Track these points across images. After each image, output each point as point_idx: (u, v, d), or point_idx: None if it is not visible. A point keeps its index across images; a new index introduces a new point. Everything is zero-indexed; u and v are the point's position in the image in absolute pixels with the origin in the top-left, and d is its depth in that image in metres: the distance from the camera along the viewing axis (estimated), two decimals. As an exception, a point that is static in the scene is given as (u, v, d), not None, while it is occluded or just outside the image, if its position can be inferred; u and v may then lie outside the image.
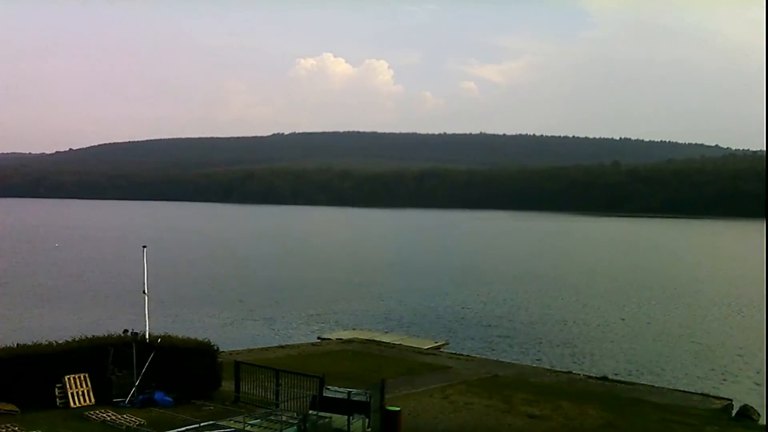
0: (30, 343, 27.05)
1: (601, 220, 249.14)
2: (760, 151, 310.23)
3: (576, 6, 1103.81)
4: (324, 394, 23.12)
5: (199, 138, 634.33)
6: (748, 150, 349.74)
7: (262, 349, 40.62)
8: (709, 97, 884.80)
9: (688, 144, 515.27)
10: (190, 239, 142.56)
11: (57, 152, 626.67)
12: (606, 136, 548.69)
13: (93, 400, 25.76)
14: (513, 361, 40.88)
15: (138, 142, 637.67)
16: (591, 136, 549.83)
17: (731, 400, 30.78)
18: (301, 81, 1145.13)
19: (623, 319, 59.19)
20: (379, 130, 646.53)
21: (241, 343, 42.58)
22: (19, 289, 69.81)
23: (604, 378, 35.32)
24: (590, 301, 68.45)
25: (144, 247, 29.87)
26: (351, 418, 21.76)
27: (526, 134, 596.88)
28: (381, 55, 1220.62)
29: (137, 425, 22.86)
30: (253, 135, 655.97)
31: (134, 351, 26.96)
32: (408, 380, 31.79)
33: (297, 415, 21.74)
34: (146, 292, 29.03)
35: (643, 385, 34.68)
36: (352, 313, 59.86)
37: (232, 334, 48.37)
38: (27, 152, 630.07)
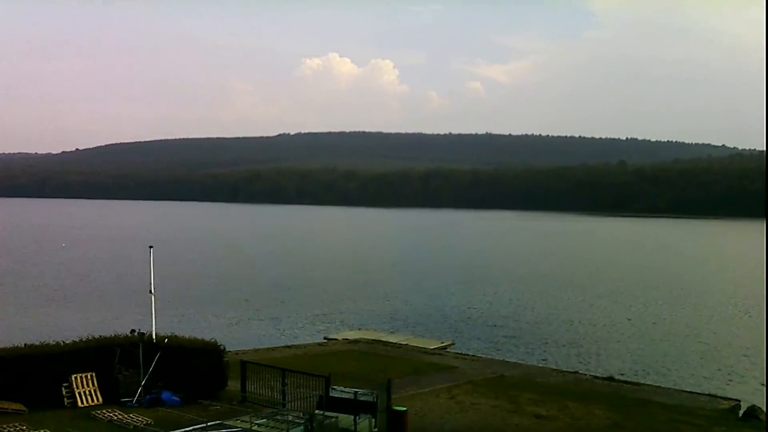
0: (37, 343, 27.17)
1: (607, 220, 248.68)
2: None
3: (581, 6, 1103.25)
4: (330, 394, 23.15)
5: (205, 138, 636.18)
6: (755, 150, 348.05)
7: (268, 348, 40.68)
8: (716, 97, 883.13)
9: (695, 144, 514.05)
10: (197, 239, 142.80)
11: (63, 152, 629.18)
12: (612, 136, 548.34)
13: (100, 399, 25.84)
14: (519, 361, 40.81)
15: (144, 142, 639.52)
16: (597, 136, 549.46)
17: (739, 400, 30.66)
18: (307, 81, 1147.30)
19: (629, 319, 59.07)
20: (385, 130, 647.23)
21: (248, 343, 42.67)
22: (26, 288, 70.05)
23: (611, 378, 35.25)
24: (596, 301, 68.34)
25: (151, 247, 29.95)
26: (357, 418, 21.77)
27: (532, 134, 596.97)
28: (386, 55, 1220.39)
29: (144, 425, 22.91)
30: (259, 135, 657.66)
31: (141, 351, 27.03)
32: (414, 380, 31.78)
33: (303, 414, 21.76)
34: (153, 292, 29.08)
35: (649, 385, 34.58)
36: (358, 313, 59.88)
37: (238, 334, 48.47)
38: (33, 152, 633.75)
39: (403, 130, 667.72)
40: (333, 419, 21.55)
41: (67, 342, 27.41)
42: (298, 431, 20.25)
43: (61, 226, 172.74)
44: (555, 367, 39.18)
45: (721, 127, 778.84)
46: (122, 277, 76.64)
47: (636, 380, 36.34)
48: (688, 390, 33.92)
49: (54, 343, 27.23)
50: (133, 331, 27.75)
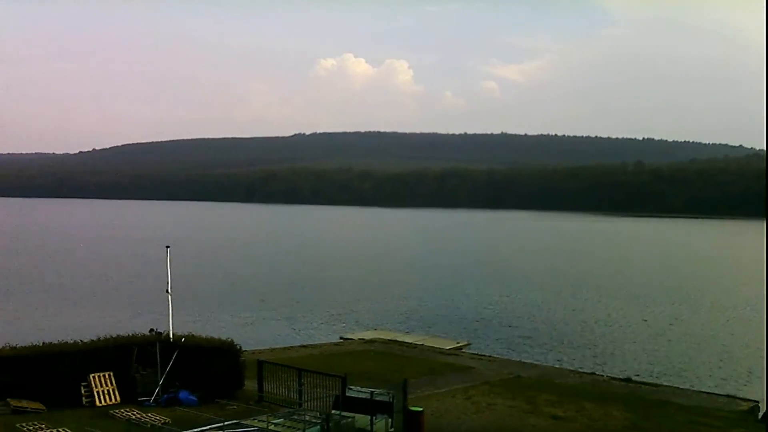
0: (56, 342, 27.38)
1: (623, 220, 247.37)
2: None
3: (596, 4, 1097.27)
4: (347, 394, 23.17)
5: (221, 138, 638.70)
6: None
7: (284, 348, 40.82)
8: (734, 96, 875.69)
9: (712, 144, 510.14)
10: (213, 239, 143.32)
11: (80, 152, 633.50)
12: (628, 136, 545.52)
13: (118, 398, 26.00)
14: (535, 362, 40.69)
15: (160, 142, 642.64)
16: (613, 136, 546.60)
17: (758, 401, 30.44)
18: (322, 81, 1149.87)
19: (646, 320, 58.69)
20: (400, 130, 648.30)
21: (264, 343, 42.78)
22: (44, 288, 70.56)
23: (628, 379, 35.10)
24: (613, 301, 67.95)
25: (167, 247, 30.04)
26: (374, 418, 21.79)
27: (548, 134, 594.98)
28: (401, 55, 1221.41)
29: (162, 424, 23.02)
30: (275, 135, 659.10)
31: (158, 350, 27.16)
32: (430, 380, 31.78)
33: (320, 414, 21.81)
34: (170, 291, 29.21)
35: (667, 386, 34.41)
36: (374, 312, 59.86)
37: (254, 334, 48.54)
38: (51, 152, 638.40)
39: (418, 130, 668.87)
40: (349, 419, 21.58)
41: (85, 341, 27.63)
42: (314, 431, 20.29)
43: (79, 226, 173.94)
44: (572, 368, 39.02)
45: (739, 126, 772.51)
46: (139, 276, 77.04)
47: (654, 381, 36.18)
48: (707, 391, 33.74)
49: (72, 342, 27.44)
50: (151, 330, 27.91)
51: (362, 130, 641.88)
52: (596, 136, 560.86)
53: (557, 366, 39.95)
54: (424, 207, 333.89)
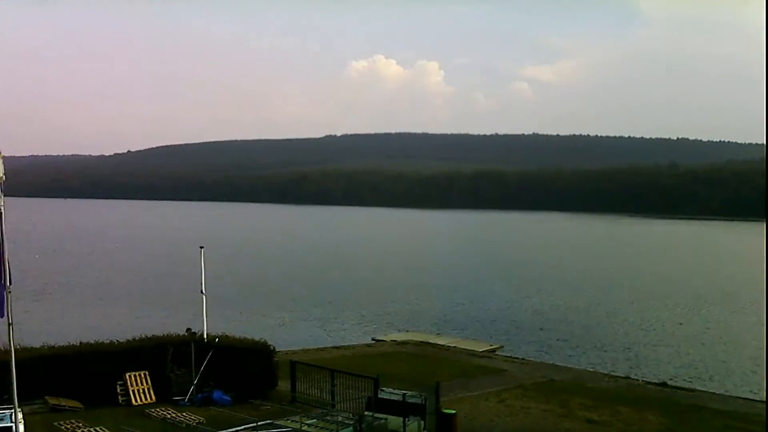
0: (92, 342, 27.76)
1: (658, 223, 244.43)
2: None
3: (627, 3, 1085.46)
4: (379, 396, 23.19)
5: (254, 140, 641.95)
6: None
7: (317, 349, 41.01)
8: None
9: (748, 144, 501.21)
10: (246, 240, 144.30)
11: (116, 154, 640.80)
12: (662, 136, 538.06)
13: (153, 397, 26.31)
14: (569, 365, 40.21)
15: (194, 144, 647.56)
16: (647, 136, 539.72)
17: (796, 407, 29.86)
18: (354, 83, 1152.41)
19: (681, 324, 57.94)
20: (431, 131, 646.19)
21: (297, 343, 42.95)
22: (81, 288, 71.59)
23: (664, 384, 34.70)
24: (647, 304, 67.12)
25: (201, 247, 30.33)
26: (406, 420, 21.76)
27: (581, 134, 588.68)
28: (432, 56, 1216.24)
29: (197, 423, 23.23)
30: (306, 137, 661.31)
31: (193, 350, 27.43)
32: (463, 383, 31.69)
33: (353, 415, 21.85)
34: (204, 292, 29.47)
35: (703, 391, 33.99)
36: (406, 314, 59.79)
37: (287, 334, 48.74)
38: (86, 154, 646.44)
39: (449, 131, 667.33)
40: (382, 421, 21.59)
41: (121, 341, 28.00)
42: (347, 432, 20.34)
43: (114, 227, 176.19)
44: (606, 372, 38.63)
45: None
46: (174, 277, 77.76)
47: (689, 386, 35.70)
48: (743, 396, 33.19)
49: (108, 342, 27.82)
50: (188, 329, 28.21)
51: (393, 132, 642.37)
52: (629, 137, 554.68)
53: (591, 369, 39.53)
54: (455, 208, 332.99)
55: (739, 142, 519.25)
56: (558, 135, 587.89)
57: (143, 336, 28.73)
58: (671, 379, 37.14)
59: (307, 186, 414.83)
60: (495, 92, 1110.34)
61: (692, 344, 49.97)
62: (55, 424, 22.69)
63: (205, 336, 28.43)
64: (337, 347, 42.25)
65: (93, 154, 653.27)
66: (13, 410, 17.06)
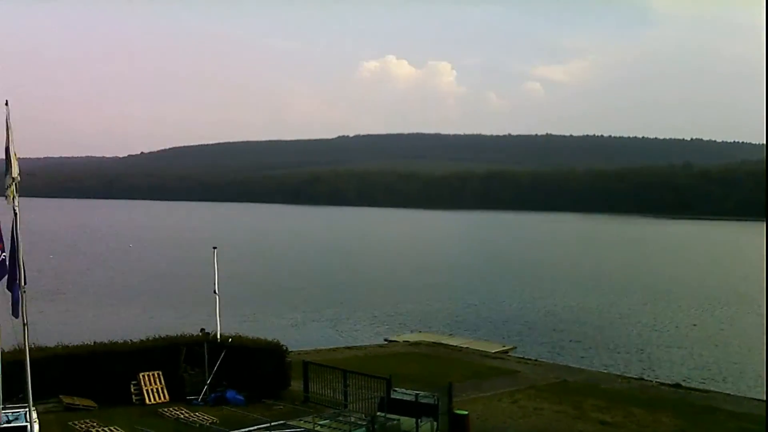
0: (107, 342, 27.94)
1: (671, 223, 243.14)
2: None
3: (640, 3, 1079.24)
4: (392, 396, 23.20)
5: (266, 141, 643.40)
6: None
7: (329, 349, 41.05)
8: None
9: (763, 144, 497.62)
10: (259, 240, 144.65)
11: (129, 155, 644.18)
12: (676, 137, 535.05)
13: (167, 397, 26.43)
14: (582, 367, 40.08)
15: (207, 145, 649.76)
16: (660, 137, 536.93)
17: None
18: (365, 83, 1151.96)
19: (695, 325, 57.62)
20: (443, 132, 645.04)
21: (309, 344, 43.05)
22: (95, 288, 71.98)
23: (677, 385, 34.53)
24: (661, 305, 66.78)
25: (214, 248, 30.43)
26: (419, 420, 21.76)
27: (593, 135, 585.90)
28: (444, 56, 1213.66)
29: (210, 423, 23.32)
30: (319, 137, 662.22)
31: (206, 350, 27.53)
32: (476, 384, 31.65)
33: (365, 416, 21.88)
34: (217, 292, 29.57)
35: (717, 392, 33.76)
36: (419, 315, 59.73)
37: (299, 335, 48.85)
38: (101, 155, 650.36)
39: (461, 131, 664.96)
40: (395, 421, 21.61)
41: (135, 341, 28.18)
42: (360, 432, 20.37)
43: (128, 227, 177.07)
44: (619, 373, 38.44)
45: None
46: (187, 277, 77.94)
47: (703, 387, 35.49)
48: (758, 398, 32.95)
49: (122, 341, 28.00)
50: (202, 330, 28.32)
51: (405, 132, 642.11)
52: (643, 137, 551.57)
53: (604, 371, 39.37)
54: (468, 209, 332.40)
55: (754, 142, 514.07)
56: (571, 135, 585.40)
57: (157, 336, 28.92)
58: (685, 381, 36.95)
59: (319, 186, 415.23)
60: (507, 92, 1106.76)
61: (706, 345, 49.67)
62: (70, 423, 22.84)
63: (218, 336, 28.53)
64: (349, 348, 42.30)
65: (107, 155, 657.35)
66: (27, 409, 17.20)
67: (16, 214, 16.08)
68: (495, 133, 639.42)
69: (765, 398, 30.03)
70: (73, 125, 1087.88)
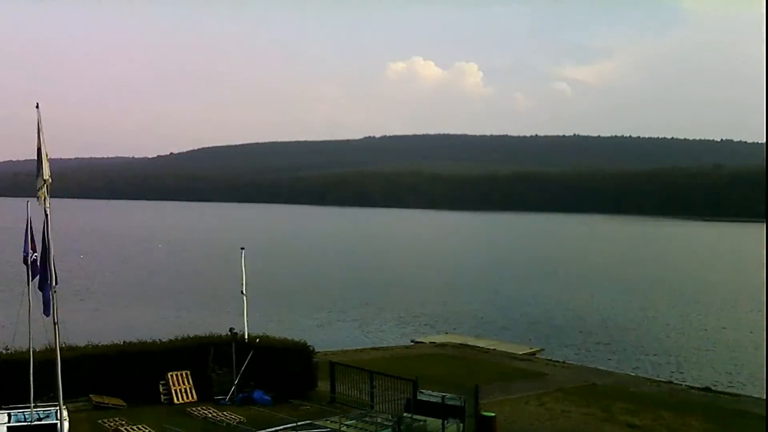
0: (135, 341, 28.17)
1: (702, 225, 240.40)
2: None
3: (669, 3, 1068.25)
4: (418, 397, 23.18)
5: (294, 141, 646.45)
6: None
7: (356, 350, 41.07)
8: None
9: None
10: (286, 241, 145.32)
11: (159, 156, 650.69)
12: (706, 137, 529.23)
13: (195, 397, 26.61)
14: (611, 370, 39.75)
15: (236, 146, 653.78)
16: (690, 138, 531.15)
17: None
18: (392, 85, 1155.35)
19: (725, 328, 56.90)
20: (470, 133, 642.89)
21: (336, 344, 43.09)
22: (124, 288, 72.73)
23: (707, 389, 34.10)
24: (690, 308, 66.08)
25: (242, 248, 30.63)
26: (445, 422, 21.70)
27: (622, 136, 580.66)
28: (471, 57, 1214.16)
29: (237, 422, 23.45)
30: (345, 138, 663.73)
31: (234, 350, 27.69)
32: (502, 386, 31.50)
33: (391, 417, 21.87)
34: (244, 292, 29.75)
35: (748, 396, 33.25)
36: (445, 316, 59.66)
37: (326, 335, 49.01)
38: (131, 156, 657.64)
39: (488, 132, 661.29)
40: (421, 422, 21.55)
41: (163, 341, 28.38)
42: (386, 433, 20.36)
43: (157, 228, 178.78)
44: (648, 376, 38.06)
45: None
46: (215, 277, 78.55)
47: (733, 391, 35.03)
48: (789, 402, 32.46)
49: (151, 341, 28.20)
50: (231, 330, 28.49)
51: (432, 133, 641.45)
52: (672, 138, 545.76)
53: (633, 374, 39.00)
54: (495, 210, 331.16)
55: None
56: (599, 136, 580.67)
57: (185, 336, 29.11)
58: (714, 384, 36.50)
59: (346, 188, 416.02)
60: (534, 93, 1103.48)
61: (735, 349, 49.06)
62: (99, 421, 23.10)
63: (245, 336, 28.69)
64: (375, 348, 42.31)
65: (136, 156, 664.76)
66: (58, 407, 17.43)
67: (47, 215, 16.31)
68: (522, 134, 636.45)
69: (765, 398, 29.66)
70: (102, 126, 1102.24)
